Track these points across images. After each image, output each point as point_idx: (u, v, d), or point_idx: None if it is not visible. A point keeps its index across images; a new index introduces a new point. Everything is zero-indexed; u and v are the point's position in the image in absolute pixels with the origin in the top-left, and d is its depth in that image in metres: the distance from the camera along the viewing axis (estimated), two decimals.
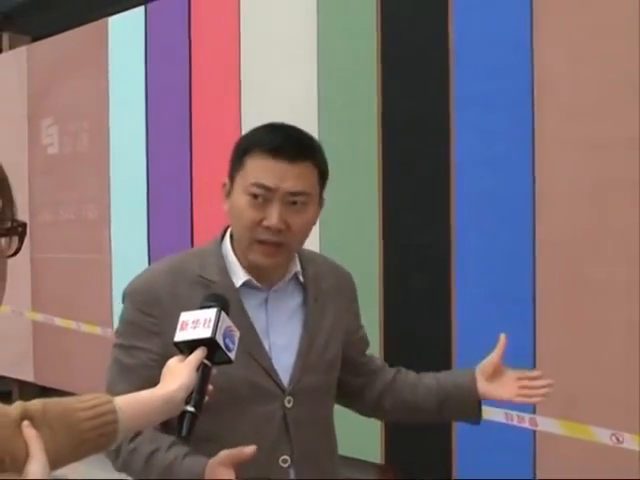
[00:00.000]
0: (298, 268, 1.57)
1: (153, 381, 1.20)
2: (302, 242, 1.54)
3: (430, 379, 1.71)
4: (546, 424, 2.50)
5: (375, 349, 2.52)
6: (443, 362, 2.75)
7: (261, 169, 1.44)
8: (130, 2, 5.00)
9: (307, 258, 1.62)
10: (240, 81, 3.46)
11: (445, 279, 2.75)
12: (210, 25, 3.63)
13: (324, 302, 1.59)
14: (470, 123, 2.70)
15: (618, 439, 2.32)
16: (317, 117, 3.15)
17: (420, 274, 2.85)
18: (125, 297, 1.55)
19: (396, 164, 2.92)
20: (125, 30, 4.09)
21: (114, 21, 4.19)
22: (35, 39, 5.01)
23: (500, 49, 2.60)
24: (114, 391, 1.29)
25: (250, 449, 1.29)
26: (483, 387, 1.63)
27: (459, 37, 2.72)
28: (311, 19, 3.18)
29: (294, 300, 1.58)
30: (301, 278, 1.58)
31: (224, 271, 1.52)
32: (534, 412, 2.51)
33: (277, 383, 1.50)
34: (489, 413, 2.60)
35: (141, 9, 4.00)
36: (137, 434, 1.38)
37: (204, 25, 3.66)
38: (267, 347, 1.51)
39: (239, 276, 1.51)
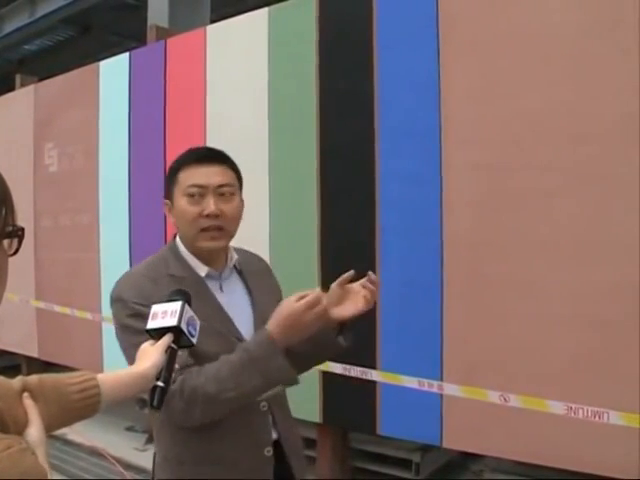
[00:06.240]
0: (236, 256, 1.56)
1: None
2: (236, 227, 1.51)
3: None
4: (450, 389, 2.47)
5: None
6: (369, 338, 2.69)
7: (192, 175, 1.45)
8: (117, 50, 4.87)
9: (236, 250, 1.59)
10: (205, 113, 3.38)
11: (372, 271, 2.67)
12: (182, 67, 3.54)
13: (258, 281, 1.58)
14: (391, 148, 2.65)
15: (505, 399, 2.32)
16: (268, 142, 3.09)
17: (351, 268, 2.76)
18: (117, 300, 1.43)
19: (332, 179, 2.86)
20: (113, 72, 3.94)
21: (104, 65, 4.05)
22: (41, 79, 4.86)
23: (414, 90, 2.57)
24: None
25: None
26: (332, 312, 1.48)
27: (382, 81, 2.67)
28: (263, 63, 3.11)
29: (238, 284, 1.56)
30: (238, 267, 1.57)
31: (187, 268, 1.48)
32: (441, 380, 2.48)
33: None
34: (405, 381, 2.57)
35: (126, 55, 3.88)
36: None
37: (177, 67, 3.56)
38: (231, 320, 1.48)
39: (201, 269, 1.49)
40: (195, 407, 1.25)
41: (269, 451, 1.47)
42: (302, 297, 1.34)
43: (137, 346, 1.34)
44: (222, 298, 1.49)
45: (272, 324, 1.35)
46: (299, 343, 1.53)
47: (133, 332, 1.39)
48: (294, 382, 1.40)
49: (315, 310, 1.34)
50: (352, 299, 1.49)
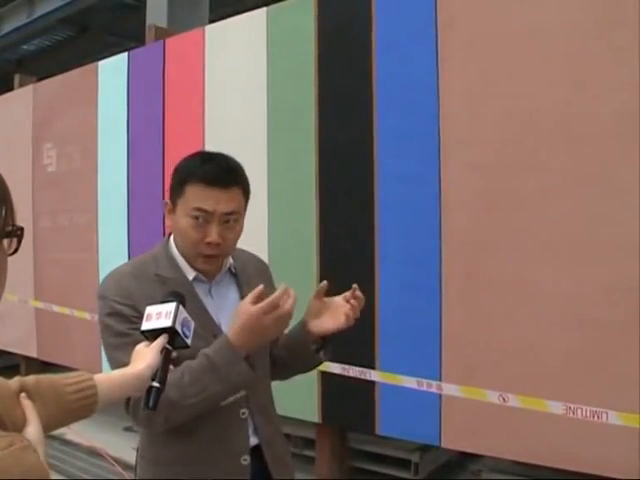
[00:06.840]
0: (231, 261, 1.54)
1: None
2: (234, 247, 1.49)
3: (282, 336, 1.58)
4: (449, 389, 2.46)
5: None
6: (368, 338, 2.68)
7: (200, 196, 1.39)
8: (116, 50, 4.86)
9: (235, 252, 1.57)
10: (204, 113, 3.37)
11: (371, 272, 2.68)
12: (180, 67, 3.53)
13: (253, 285, 1.50)
14: (390, 148, 2.65)
15: (504, 399, 2.32)
16: (266, 142, 3.08)
17: (349, 268, 2.76)
18: (99, 298, 1.42)
19: (330, 180, 2.85)
20: (111, 72, 3.94)
21: (103, 65, 4.04)
22: (40, 79, 4.85)
23: (412, 91, 2.57)
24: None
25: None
26: (311, 326, 1.48)
27: (381, 81, 2.67)
28: (262, 63, 3.11)
29: (231, 288, 1.53)
30: (233, 270, 1.54)
31: (177, 269, 1.46)
32: (440, 380, 2.48)
33: None
34: (404, 381, 2.56)
35: (124, 55, 3.87)
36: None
37: (176, 67, 3.55)
38: (218, 324, 1.45)
39: (189, 272, 1.47)
40: (159, 413, 1.22)
41: (246, 459, 1.43)
42: (256, 298, 1.31)
43: (114, 348, 1.36)
44: (210, 302, 1.47)
45: (231, 329, 1.33)
46: (285, 350, 1.55)
47: (111, 333, 1.37)
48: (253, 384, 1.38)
49: (275, 313, 1.29)
50: (332, 313, 1.47)
